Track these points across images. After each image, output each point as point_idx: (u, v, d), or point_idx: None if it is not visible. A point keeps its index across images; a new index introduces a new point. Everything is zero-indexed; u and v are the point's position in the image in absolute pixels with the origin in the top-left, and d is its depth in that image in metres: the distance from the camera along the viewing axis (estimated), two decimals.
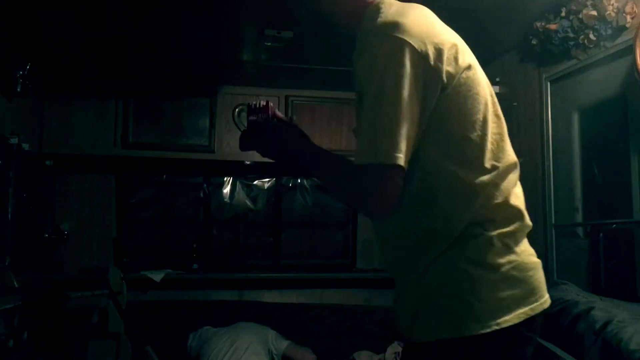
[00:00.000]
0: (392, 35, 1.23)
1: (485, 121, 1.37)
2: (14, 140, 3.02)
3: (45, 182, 3.79)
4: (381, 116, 1.21)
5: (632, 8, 2.49)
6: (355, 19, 1.48)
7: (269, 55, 3.54)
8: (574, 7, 2.73)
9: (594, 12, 2.62)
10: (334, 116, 4.28)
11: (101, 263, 4.07)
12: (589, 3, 2.65)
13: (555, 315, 2.35)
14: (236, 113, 4.14)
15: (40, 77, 3.69)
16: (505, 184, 1.33)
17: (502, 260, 1.26)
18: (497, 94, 3.74)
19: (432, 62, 1.24)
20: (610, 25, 2.58)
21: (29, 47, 3.30)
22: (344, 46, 3.65)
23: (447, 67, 1.28)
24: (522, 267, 1.29)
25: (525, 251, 1.37)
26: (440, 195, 1.27)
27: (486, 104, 1.41)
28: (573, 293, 2.43)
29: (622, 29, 2.55)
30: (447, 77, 1.27)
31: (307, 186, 4.68)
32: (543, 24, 2.90)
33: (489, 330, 1.18)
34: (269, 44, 3.28)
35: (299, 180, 4.67)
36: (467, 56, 1.42)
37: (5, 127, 3.07)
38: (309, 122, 4.21)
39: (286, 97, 4.24)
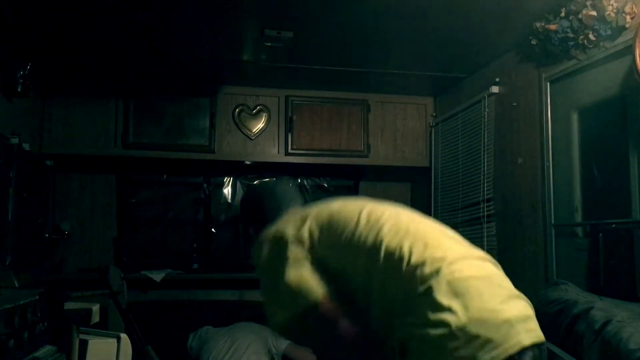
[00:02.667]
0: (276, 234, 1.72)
1: None
2: (15, 140, 3.03)
3: (45, 182, 3.79)
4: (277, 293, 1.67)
5: (632, 8, 2.49)
6: None
7: (269, 55, 3.54)
8: (574, 8, 2.73)
9: (594, 13, 2.62)
10: (334, 116, 4.29)
11: (101, 263, 4.07)
12: (588, 3, 2.66)
13: (554, 315, 2.35)
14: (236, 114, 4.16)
15: (41, 77, 3.70)
16: None
17: None
18: (496, 94, 3.78)
19: (305, 245, 1.68)
20: (609, 26, 2.58)
21: (29, 47, 3.30)
22: (344, 46, 3.67)
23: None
24: None
25: None
26: None
27: None
28: (572, 293, 2.43)
29: (622, 29, 2.55)
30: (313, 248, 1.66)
31: (307, 186, 4.69)
32: (543, 24, 2.90)
33: None
34: (269, 44, 3.28)
35: (299, 180, 4.67)
36: None
37: (5, 127, 3.07)
38: (309, 122, 4.22)
39: (286, 97, 4.24)
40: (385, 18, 2.96)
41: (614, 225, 2.55)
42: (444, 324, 1.27)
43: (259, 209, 1.89)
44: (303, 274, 1.50)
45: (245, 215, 2.02)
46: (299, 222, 1.61)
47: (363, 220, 1.52)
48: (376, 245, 1.45)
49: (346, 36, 3.25)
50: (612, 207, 2.66)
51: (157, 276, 3.98)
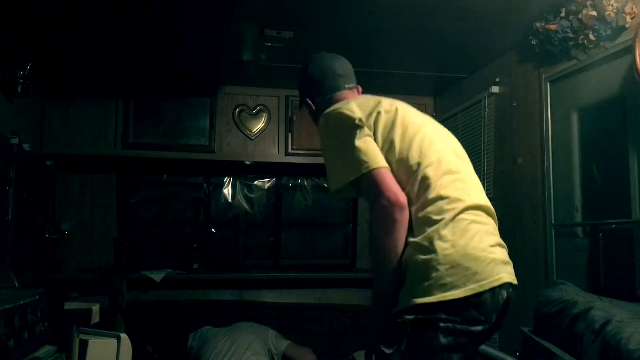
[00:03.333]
0: (335, 109, 1.83)
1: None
2: (15, 140, 3.02)
3: (45, 182, 3.79)
4: (345, 158, 1.75)
5: (632, 8, 2.49)
6: None
7: (269, 55, 3.54)
8: (574, 8, 2.73)
9: (594, 13, 2.62)
10: None
11: (101, 263, 4.07)
12: (588, 3, 2.66)
13: (554, 315, 2.35)
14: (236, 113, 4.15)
15: (41, 77, 3.70)
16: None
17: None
18: (496, 94, 3.78)
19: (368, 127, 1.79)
20: (609, 26, 2.58)
21: (29, 47, 3.30)
22: (344, 46, 3.65)
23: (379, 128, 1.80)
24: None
25: None
26: None
27: None
28: (572, 293, 2.43)
29: (622, 29, 2.55)
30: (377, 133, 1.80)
31: (307, 186, 4.69)
32: (543, 24, 2.90)
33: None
34: (269, 44, 3.28)
35: (299, 180, 4.67)
36: None
37: (5, 127, 3.07)
38: (309, 122, 4.19)
39: (286, 97, 4.24)
40: (385, 18, 2.97)
41: (614, 225, 2.55)
42: (434, 251, 1.57)
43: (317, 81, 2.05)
44: (371, 144, 1.67)
45: (306, 87, 2.11)
46: (370, 110, 1.75)
47: (415, 145, 1.73)
48: (416, 168, 1.69)
49: (346, 36, 3.25)
50: (612, 207, 2.67)
51: (157, 276, 3.98)
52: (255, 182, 4.65)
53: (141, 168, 4.41)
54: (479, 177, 3.82)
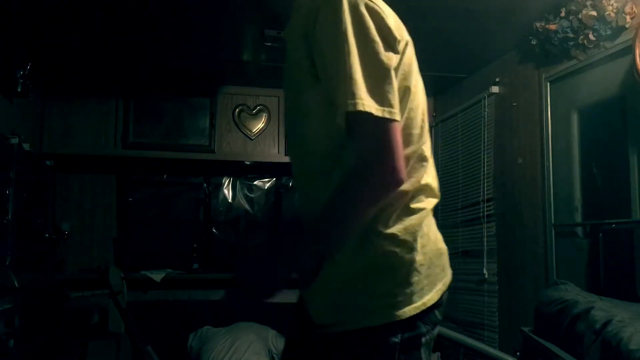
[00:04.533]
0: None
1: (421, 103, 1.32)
2: (15, 141, 3.02)
3: (45, 182, 3.79)
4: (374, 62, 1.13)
5: (632, 8, 2.49)
6: None
7: (269, 55, 3.54)
8: (574, 8, 2.73)
9: (594, 13, 2.62)
10: None
11: (101, 263, 4.07)
12: (588, 3, 2.66)
13: (555, 315, 2.35)
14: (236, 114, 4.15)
15: (41, 77, 3.70)
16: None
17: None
18: (496, 94, 3.78)
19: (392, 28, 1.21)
20: (609, 26, 2.59)
21: (29, 48, 3.30)
22: None
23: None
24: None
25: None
26: None
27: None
28: (573, 293, 2.43)
29: (622, 29, 2.55)
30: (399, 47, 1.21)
31: None
32: (543, 24, 2.90)
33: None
34: (269, 44, 3.28)
35: None
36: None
37: (5, 127, 3.07)
38: None
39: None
40: None
41: (614, 225, 2.55)
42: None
43: None
44: (394, 82, 1.14)
45: None
46: (400, 31, 1.24)
47: (420, 109, 1.29)
48: (416, 140, 1.27)
49: None
50: (612, 207, 2.67)
51: (157, 276, 3.98)
52: (255, 182, 4.65)
53: (141, 168, 4.41)
54: (479, 177, 3.85)
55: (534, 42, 3.02)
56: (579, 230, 2.90)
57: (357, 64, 1.10)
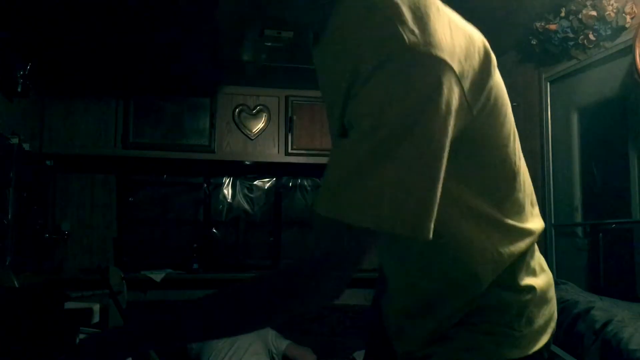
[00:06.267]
0: (428, 53, 0.79)
1: (515, 147, 1.01)
2: (15, 140, 3.02)
3: (45, 182, 3.79)
4: (416, 173, 0.79)
5: (632, 8, 2.49)
6: None
7: (269, 55, 3.54)
8: (574, 8, 2.73)
9: (594, 13, 2.62)
10: None
11: (101, 263, 4.06)
12: (588, 3, 2.66)
13: None
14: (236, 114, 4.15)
15: (41, 77, 3.69)
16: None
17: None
18: None
19: (466, 90, 0.85)
20: (609, 26, 2.59)
21: (29, 47, 3.30)
22: None
23: (476, 92, 0.90)
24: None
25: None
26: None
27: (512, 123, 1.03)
28: (573, 293, 2.43)
29: (622, 29, 2.55)
30: (475, 104, 0.89)
31: (307, 186, 4.69)
32: (543, 24, 2.90)
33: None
34: (269, 44, 3.28)
35: (299, 180, 4.67)
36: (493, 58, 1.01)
37: (5, 127, 3.07)
38: (308, 122, 4.22)
39: (286, 97, 4.24)
40: None
41: (614, 225, 2.56)
42: None
43: None
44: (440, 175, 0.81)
45: None
46: (467, 59, 0.88)
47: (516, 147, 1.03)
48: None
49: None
50: (612, 207, 2.67)
51: (157, 276, 3.98)
52: (255, 182, 4.65)
53: (141, 168, 4.41)
54: None
55: (534, 42, 3.02)
56: (579, 230, 2.90)
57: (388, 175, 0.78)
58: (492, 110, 0.94)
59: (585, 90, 2.87)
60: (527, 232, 1.02)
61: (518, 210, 1.00)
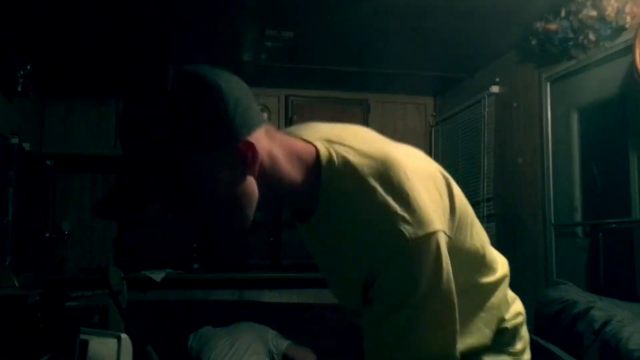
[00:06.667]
0: (423, 235, 0.95)
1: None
2: (15, 140, 3.03)
3: (45, 182, 3.79)
4: (446, 322, 1.00)
5: (632, 8, 2.49)
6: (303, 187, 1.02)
7: (269, 55, 3.54)
8: (574, 8, 2.73)
9: (594, 13, 2.62)
10: (334, 116, 4.28)
11: (101, 263, 4.06)
12: (588, 3, 2.66)
13: (554, 315, 2.35)
14: None
15: (41, 77, 3.69)
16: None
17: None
18: (496, 94, 3.78)
19: (447, 231, 1.02)
20: (609, 26, 2.59)
21: (29, 47, 3.30)
22: (344, 46, 3.65)
23: (450, 223, 1.06)
24: None
25: None
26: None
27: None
28: (572, 293, 2.43)
29: (622, 29, 2.55)
30: (452, 232, 1.06)
31: None
32: (543, 24, 2.90)
33: None
34: (269, 44, 3.28)
35: None
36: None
37: (5, 126, 3.07)
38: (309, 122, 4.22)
39: (286, 97, 4.24)
40: (385, 18, 2.96)
41: (614, 225, 2.56)
42: None
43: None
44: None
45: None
46: (443, 209, 1.04)
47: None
48: None
49: (346, 36, 3.25)
50: (612, 207, 2.67)
51: (158, 276, 3.97)
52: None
53: (141, 168, 4.41)
54: (479, 177, 3.85)
55: (534, 42, 3.02)
56: (579, 230, 2.90)
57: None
58: (459, 223, 1.10)
59: (585, 90, 2.87)
60: (501, 279, 1.27)
61: (490, 268, 1.26)
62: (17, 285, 2.53)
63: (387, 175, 0.97)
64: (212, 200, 0.95)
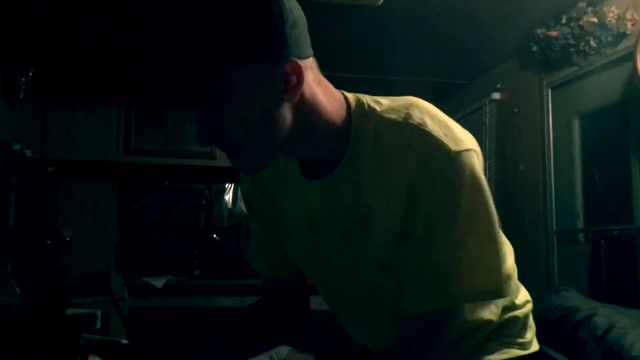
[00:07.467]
0: (466, 149, 0.97)
1: None
2: (17, 147, 3.03)
3: (47, 188, 3.79)
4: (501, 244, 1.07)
5: (633, 15, 2.50)
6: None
7: None
8: (575, 14, 2.74)
9: (595, 19, 2.63)
10: None
11: (103, 269, 4.07)
12: (589, 10, 2.66)
13: (557, 322, 2.34)
14: None
15: (43, 84, 3.71)
16: None
17: None
18: (497, 100, 3.78)
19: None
20: (610, 32, 2.59)
21: (31, 54, 3.31)
22: (345, 52, 3.65)
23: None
24: None
25: None
26: None
27: None
28: (574, 299, 2.42)
29: (623, 35, 2.56)
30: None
31: None
32: (544, 30, 2.91)
33: None
34: None
35: None
36: None
37: (8, 133, 3.08)
38: None
39: None
40: (386, 24, 2.97)
41: (615, 232, 2.55)
42: None
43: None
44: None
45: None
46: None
47: None
48: None
49: (347, 42, 3.25)
50: (614, 213, 2.66)
51: (159, 282, 3.97)
52: None
53: (143, 174, 4.42)
54: None
55: (535, 49, 3.02)
56: (581, 236, 2.90)
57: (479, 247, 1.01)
58: None
59: (586, 96, 2.87)
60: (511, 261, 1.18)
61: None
62: (18, 291, 2.53)
63: (418, 107, 1.01)
64: (243, 118, 0.86)
